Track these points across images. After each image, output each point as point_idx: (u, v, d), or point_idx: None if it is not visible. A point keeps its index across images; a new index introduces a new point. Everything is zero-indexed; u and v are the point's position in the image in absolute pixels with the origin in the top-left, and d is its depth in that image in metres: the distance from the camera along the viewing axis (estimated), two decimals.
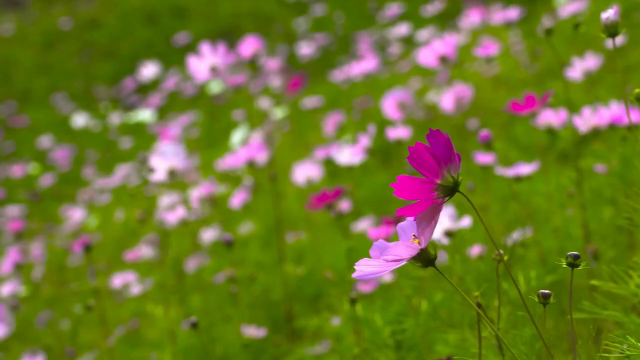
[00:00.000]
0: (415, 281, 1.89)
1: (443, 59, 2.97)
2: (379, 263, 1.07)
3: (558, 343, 1.93)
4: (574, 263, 1.10)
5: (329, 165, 3.90)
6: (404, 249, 1.06)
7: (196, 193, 3.36)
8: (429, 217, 1.06)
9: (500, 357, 1.29)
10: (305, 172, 3.28)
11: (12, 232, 4.38)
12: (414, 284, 1.90)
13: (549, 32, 2.02)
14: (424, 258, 1.08)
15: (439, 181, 1.06)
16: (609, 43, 1.51)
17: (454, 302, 1.65)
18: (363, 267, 1.08)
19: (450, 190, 1.07)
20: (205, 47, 2.74)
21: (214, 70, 2.73)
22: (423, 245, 1.07)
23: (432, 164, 1.06)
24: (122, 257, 4.09)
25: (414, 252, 1.07)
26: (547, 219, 2.43)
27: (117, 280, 3.56)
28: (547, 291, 1.13)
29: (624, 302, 1.48)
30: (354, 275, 1.08)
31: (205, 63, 2.73)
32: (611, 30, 1.38)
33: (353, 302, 1.75)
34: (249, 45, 3.40)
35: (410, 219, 1.10)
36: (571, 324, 1.11)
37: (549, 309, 2.03)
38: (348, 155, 2.93)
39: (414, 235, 1.09)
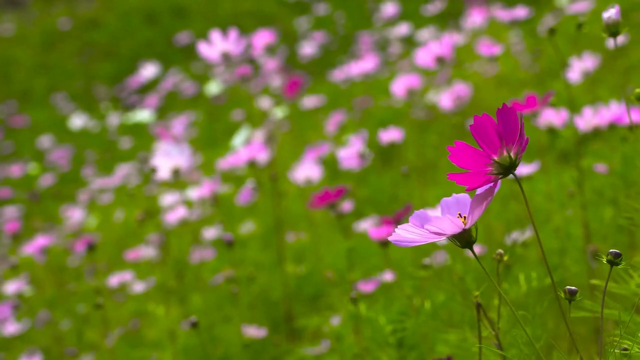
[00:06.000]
0: (416, 281, 1.89)
1: (440, 60, 2.96)
2: (420, 232, 1.04)
3: (558, 343, 1.93)
4: (613, 261, 1.09)
5: (329, 164, 3.89)
6: (449, 224, 1.03)
7: (199, 191, 3.35)
8: (482, 198, 1.04)
9: (500, 357, 1.29)
10: (305, 171, 3.27)
11: (8, 233, 4.38)
12: (415, 284, 1.90)
13: (552, 31, 2.01)
14: (465, 238, 1.05)
15: (496, 157, 1.04)
16: (609, 43, 1.51)
17: (455, 302, 1.64)
18: (402, 232, 1.05)
19: (505, 170, 1.04)
20: (215, 35, 2.68)
21: (226, 57, 2.68)
22: (468, 225, 1.04)
23: (494, 140, 1.03)
24: (122, 257, 4.09)
25: (457, 230, 1.04)
26: (547, 219, 2.42)
27: (115, 279, 3.55)
28: (573, 287, 1.11)
29: (625, 301, 1.48)
30: (390, 238, 1.04)
31: (215, 50, 2.68)
32: (612, 29, 1.38)
33: (354, 301, 1.75)
34: (262, 38, 3.39)
35: (455, 196, 1.08)
36: (601, 323, 1.09)
37: (549, 310, 2.03)
38: (347, 159, 2.92)
39: (459, 213, 1.06)
